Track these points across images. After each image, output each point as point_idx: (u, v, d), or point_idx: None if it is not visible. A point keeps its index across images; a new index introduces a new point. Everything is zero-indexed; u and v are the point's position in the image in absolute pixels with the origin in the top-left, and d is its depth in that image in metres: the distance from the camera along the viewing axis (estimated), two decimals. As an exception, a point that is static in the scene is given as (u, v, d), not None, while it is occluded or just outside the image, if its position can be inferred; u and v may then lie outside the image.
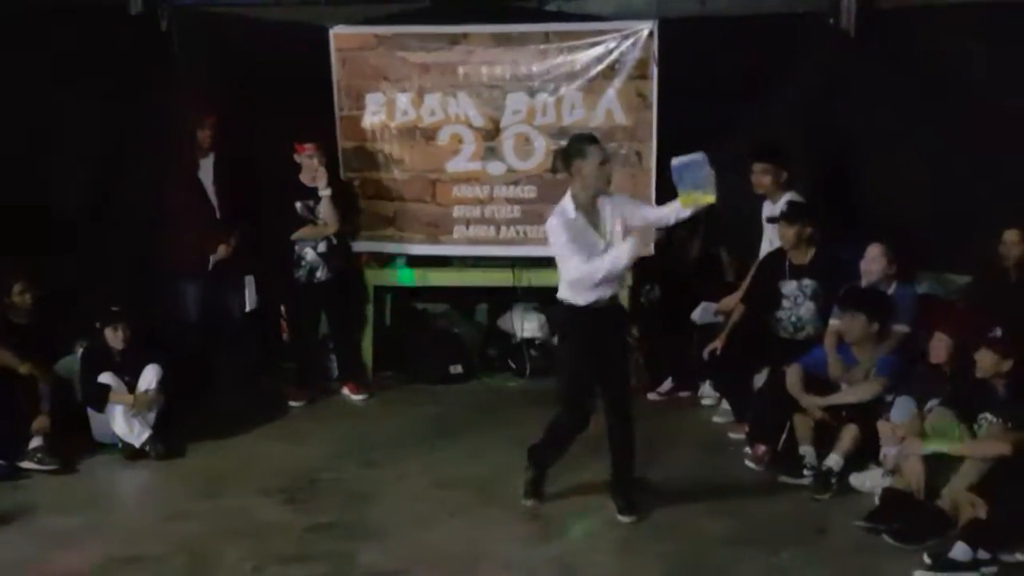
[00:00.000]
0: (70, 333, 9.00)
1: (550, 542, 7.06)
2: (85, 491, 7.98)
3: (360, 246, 10.29)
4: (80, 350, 8.83)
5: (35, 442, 8.21)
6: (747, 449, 8.25)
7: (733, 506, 7.46)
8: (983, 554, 6.34)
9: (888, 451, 7.44)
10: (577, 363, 7.26)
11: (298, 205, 9.64)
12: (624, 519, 7.23)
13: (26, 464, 8.13)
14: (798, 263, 8.69)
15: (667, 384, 9.81)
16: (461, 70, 10.11)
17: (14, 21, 9.05)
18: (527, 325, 10.52)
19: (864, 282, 8.28)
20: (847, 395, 7.89)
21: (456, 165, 10.20)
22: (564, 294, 7.16)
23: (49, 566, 6.78)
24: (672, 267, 10.28)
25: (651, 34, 9.77)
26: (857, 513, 7.13)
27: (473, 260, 10.38)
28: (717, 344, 8.95)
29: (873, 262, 8.26)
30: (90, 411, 8.61)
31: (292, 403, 9.73)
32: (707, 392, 9.60)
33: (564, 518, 7.35)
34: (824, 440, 7.84)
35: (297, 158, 9.60)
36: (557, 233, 7.03)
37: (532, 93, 10.06)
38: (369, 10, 10.44)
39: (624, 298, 9.88)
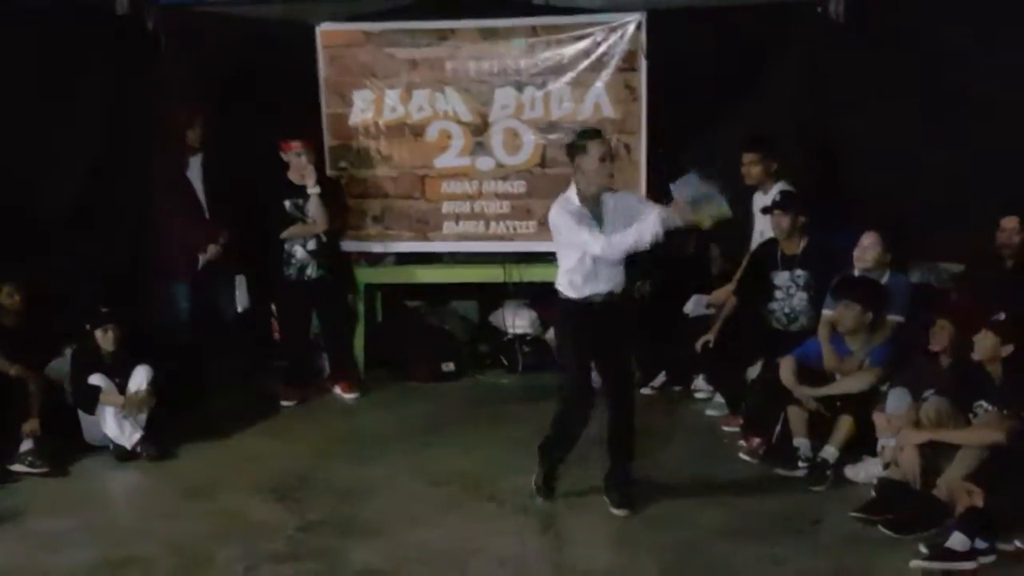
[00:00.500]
0: (60, 335, 8.94)
1: (544, 537, 7.03)
2: (76, 493, 7.94)
3: (348, 245, 10.26)
4: (70, 352, 8.78)
5: (25, 445, 8.16)
6: (741, 441, 8.23)
7: (728, 498, 7.45)
8: (980, 543, 6.30)
9: (885, 443, 7.41)
10: (569, 357, 7.24)
11: (287, 203, 9.61)
12: (618, 513, 7.21)
13: (16, 467, 8.09)
14: (790, 253, 8.67)
15: (660, 378, 9.79)
16: (449, 65, 10.11)
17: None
18: (518, 321, 10.51)
19: (857, 271, 8.26)
20: (841, 386, 7.87)
21: (445, 161, 10.19)
22: (561, 286, 7.13)
23: (40, 569, 6.73)
24: (663, 262, 10.24)
25: (639, 26, 9.78)
26: (853, 504, 7.10)
27: (463, 256, 10.34)
28: (710, 337, 8.92)
29: (867, 250, 8.23)
30: (81, 413, 8.57)
31: (284, 402, 9.70)
32: (700, 385, 9.58)
33: (558, 513, 7.32)
34: (819, 431, 7.82)
35: (284, 156, 9.58)
36: (562, 218, 7.02)
37: (520, 87, 10.05)
38: (356, 7, 10.41)
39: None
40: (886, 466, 7.30)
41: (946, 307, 7.63)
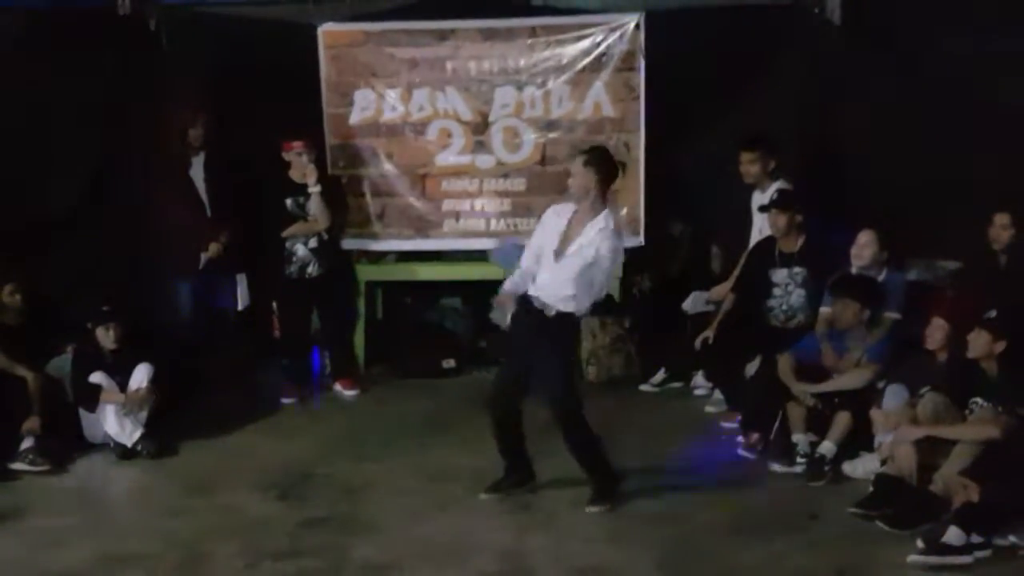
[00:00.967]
0: (61, 334, 8.96)
1: (544, 533, 7.03)
2: (77, 491, 7.98)
3: (349, 243, 10.28)
4: (70, 351, 8.81)
5: (26, 443, 8.18)
6: (740, 438, 8.26)
7: (726, 494, 7.48)
8: (976, 537, 6.33)
9: (882, 439, 7.44)
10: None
11: (288, 202, 9.65)
12: (590, 509, 7.22)
13: (17, 465, 8.12)
14: (788, 251, 8.69)
15: (659, 375, 9.79)
16: (449, 65, 10.16)
17: (3, 24, 9.02)
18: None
19: (854, 269, 8.29)
20: (838, 382, 7.89)
21: (445, 159, 10.23)
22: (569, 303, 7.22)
23: (41, 566, 6.75)
24: (662, 261, 10.31)
25: (638, 26, 9.85)
26: (850, 499, 7.13)
27: (464, 254, 10.37)
28: (709, 333, 8.94)
29: (864, 248, 8.26)
30: (81, 411, 8.59)
31: (284, 400, 9.72)
32: (699, 382, 9.61)
33: (557, 509, 7.33)
34: (817, 428, 7.84)
35: (285, 156, 9.61)
36: None
37: (520, 87, 10.08)
38: (357, 7, 10.44)
39: (615, 289, 9.96)
40: (883, 462, 7.31)
41: (941, 305, 7.64)
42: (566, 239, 7.12)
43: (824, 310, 8.33)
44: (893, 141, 9.33)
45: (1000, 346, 6.94)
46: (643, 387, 9.77)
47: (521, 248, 7.51)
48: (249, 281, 10.12)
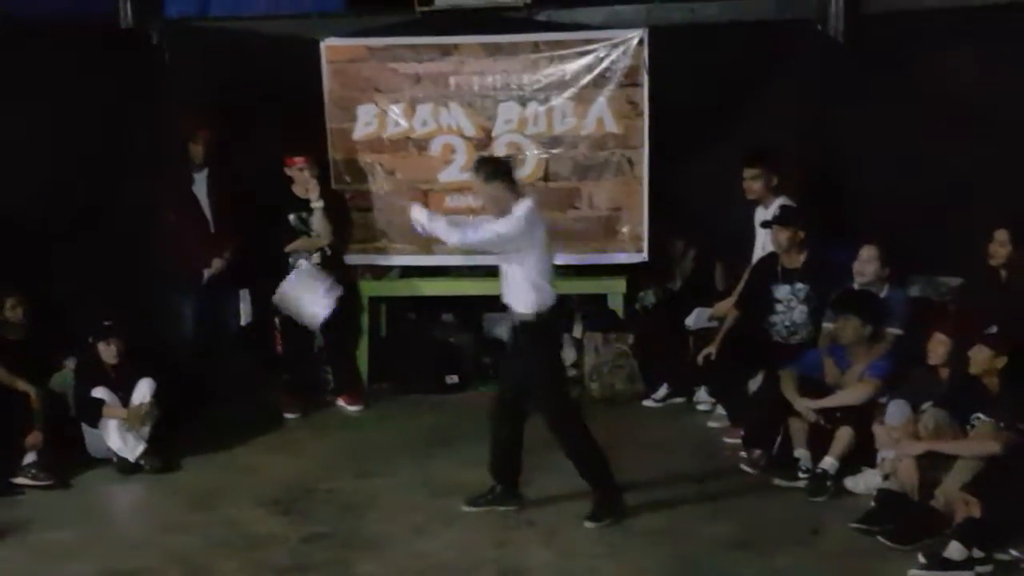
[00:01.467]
0: (63, 348, 8.97)
1: (547, 549, 7.02)
2: (79, 506, 7.98)
3: (352, 258, 10.30)
4: (69, 365, 8.82)
5: (29, 458, 8.19)
6: (742, 453, 8.24)
7: (729, 509, 7.47)
8: (978, 553, 6.32)
9: (884, 454, 7.44)
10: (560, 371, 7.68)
11: (291, 217, 9.68)
12: (588, 524, 7.22)
13: (20, 480, 8.13)
14: (791, 267, 8.71)
15: (662, 390, 9.78)
16: (453, 80, 10.17)
17: (4, 37, 9.04)
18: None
19: (856, 285, 8.30)
20: (841, 398, 7.89)
21: (448, 175, 10.23)
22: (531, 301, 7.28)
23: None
24: (665, 276, 10.32)
25: (641, 42, 9.84)
26: (852, 515, 7.12)
27: (467, 269, 10.38)
28: (711, 349, 8.95)
29: (866, 264, 8.28)
30: (84, 426, 8.60)
31: (287, 415, 9.73)
32: (702, 397, 9.59)
33: (560, 525, 7.32)
34: (819, 443, 7.83)
35: (288, 171, 9.63)
36: None
37: (523, 102, 10.09)
38: (360, 23, 10.48)
39: (618, 305, 9.98)
40: (885, 477, 7.30)
41: (942, 321, 7.64)
42: None
43: (826, 326, 8.35)
44: (895, 157, 9.35)
45: (1001, 362, 6.94)
46: (646, 403, 9.77)
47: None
48: (252, 297, 10.14)
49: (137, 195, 9.75)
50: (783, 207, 8.84)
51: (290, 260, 9.71)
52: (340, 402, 9.97)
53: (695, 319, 9.62)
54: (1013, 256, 7.87)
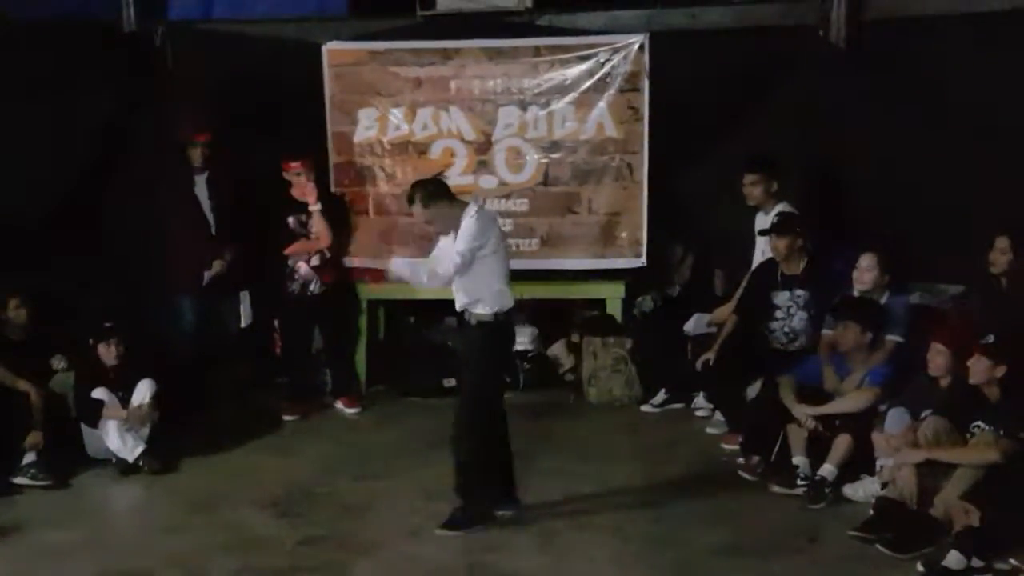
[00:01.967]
0: (64, 349, 8.96)
1: (543, 553, 7.02)
2: (78, 506, 7.98)
3: (351, 261, 10.30)
4: (60, 364, 8.83)
5: (28, 458, 8.20)
6: (740, 459, 8.24)
7: (726, 516, 7.46)
8: (977, 562, 6.35)
9: (883, 463, 7.44)
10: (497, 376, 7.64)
11: (291, 220, 9.68)
12: (439, 532, 7.22)
13: (19, 480, 8.14)
14: (790, 273, 8.71)
15: (660, 396, 9.78)
16: (453, 84, 10.16)
17: (7, 39, 9.05)
18: (520, 338, 10.48)
19: (856, 292, 8.30)
20: (840, 405, 7.88)
21: (448, 179, 10.17)
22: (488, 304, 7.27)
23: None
24: (664, 282, 10.33)
25: (642, 47, 9.82)
26: (850, 523, 7.11)
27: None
28: (710, 355, 8.94)
29: (866, 272, 8.27)
30: (83, 426, 8.60)
31: (286, 417, 9.72)
32: (700, 403, 9.58)
33: (557, 530, 7.31)
34: (817, 450, 7.82)
35: (285, 175, 9.62)
36: None
37: (524, 107, 10.08)
38: (362, 26, 10.49)
39: (617, 310, 9.98)
40: (884, 485, 7.30)
41: (941, 330, 7.63)
42: None
43: (826, 333, 8.34)
44: (895, 164, 9.36)
45: (1001, 371, 6.94)
46: (644, 408, 9.75)
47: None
48: (252, 299, 10.14)
49: (138, 197, 9.74)
50: (782, 214, 8.83)
51: (289, 262, 9.71)
52: (338, 405, 9.96)
53: (694, 325, 9.62)
54: (1014, 264, 7.88)
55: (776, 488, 7.82)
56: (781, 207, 8.92)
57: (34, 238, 9.16)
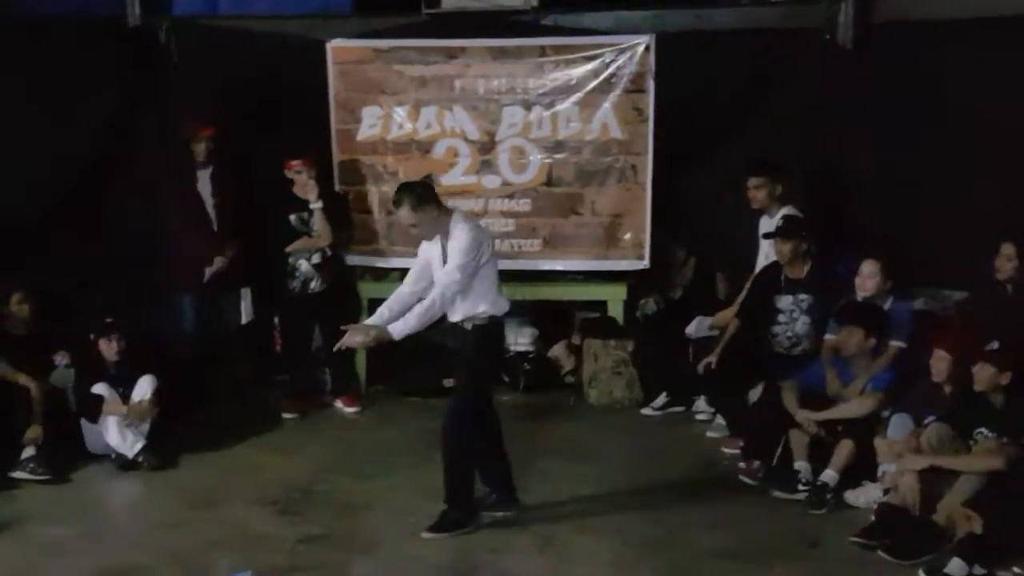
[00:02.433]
0: (65, 344, 8.94)
1: (543, 555, 7.01)
2: (77, 501, 7.97)
3: (353, 260, 10.29)
4: (64, 361, 8.81)
5: (28, 452, 8.19)
6: (741, 464, 8.20)
7: (726, 521, 7.44)
8: (979, 569, 6.34)
9: (886, 468, 7.42)
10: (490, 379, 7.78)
11: (292, 217, 9.65)
12: (424, 535, 7.20)
13: (18, 474, 8.13)
14: (794, 277, 8.67)
15: (661, 399, 9.75)
16: (458, 83, 10.14)
17: (11, 35, 9.03)
18: (520, 339, 10.49)
19: (859, 297, 8.27)
20: (842, 410, 7.86)
21: (452, 178, 10.19)
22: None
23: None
24: (666, 284, 10.31)
25: (647, 48, 9.79)
26: (852, 529, 7.09)
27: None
28: (712, 358, 8.91)
29: (868, 279, 8.24)
30: (83, 421, 8.59)
31: (285, 415, 9.70)
32: (701, 407, 9.55)
33: (557, 532, 7.29)
34: (819, 455, 7.80)
35: (287, 173, 9.60)
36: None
37: (528, 106, 10.06)
38: (367, 24, 10.47)
39: (618, 312, 9.96)
40: (886, 491, 7.29)
41: (944, 337, 7.61)
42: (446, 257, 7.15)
43: (829, 337, 8.30)
44: (901, 168, 9.34)
45: (1006, 378, 6.93)
46: (644, 411, 9.71)
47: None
48: (254, 296, 10.12)
49: (141, 193, 9.72)
50: (786, 218, 8.81)
51: (290, 260, 9.69)
52: (338, 403, 9.94)
53: (696, 328, 9.58)
54: (1020, 270, 7.86)
55: (777, 493, 7.80)
56: (786, 210, 8.89)
57: (36, 234, 9.16)
